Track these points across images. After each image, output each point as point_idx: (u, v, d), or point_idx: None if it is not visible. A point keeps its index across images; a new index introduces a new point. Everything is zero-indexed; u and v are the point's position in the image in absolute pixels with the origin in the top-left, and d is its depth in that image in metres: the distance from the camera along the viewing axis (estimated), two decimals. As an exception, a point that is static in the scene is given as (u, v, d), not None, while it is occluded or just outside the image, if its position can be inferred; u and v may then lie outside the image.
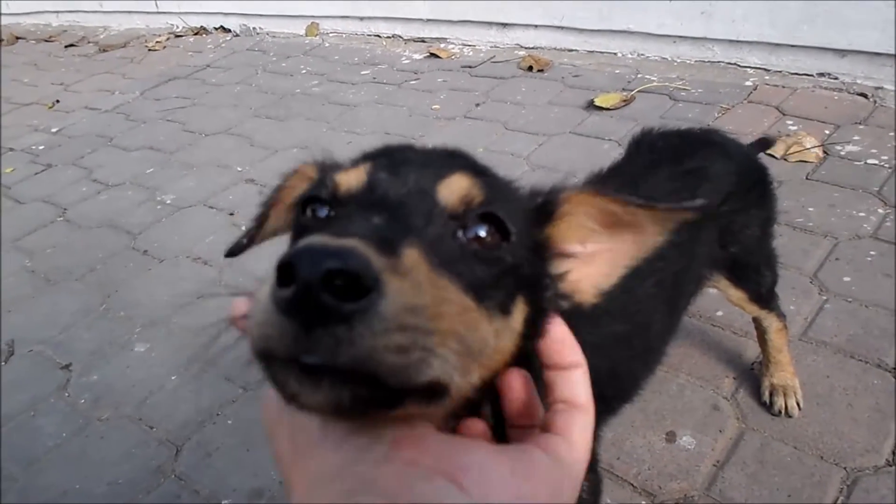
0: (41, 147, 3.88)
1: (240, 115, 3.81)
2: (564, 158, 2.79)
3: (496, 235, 0.53)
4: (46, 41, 6.29)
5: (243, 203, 2.86)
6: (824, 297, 1.88)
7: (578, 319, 1.05)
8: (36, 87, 5.01)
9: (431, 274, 0.43)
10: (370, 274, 0.37)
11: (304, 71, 4.33)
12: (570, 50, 3.88)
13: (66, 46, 5.95)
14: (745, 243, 1.40)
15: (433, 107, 3.49)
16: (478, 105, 3.44)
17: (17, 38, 6.54)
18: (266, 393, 0.50)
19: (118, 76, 4.91)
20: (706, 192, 1.28)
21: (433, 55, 4.18)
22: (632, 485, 1.47)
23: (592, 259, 0.65)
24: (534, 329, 0.57)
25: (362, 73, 4.13)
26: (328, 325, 0.36)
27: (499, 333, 0.51)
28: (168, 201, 3.00)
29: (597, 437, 1.13)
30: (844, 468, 1.44)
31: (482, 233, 0.52)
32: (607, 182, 1.31)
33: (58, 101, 4.59)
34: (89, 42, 5.98)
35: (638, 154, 1.40)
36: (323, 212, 0.55)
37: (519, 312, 0.55)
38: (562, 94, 3.39)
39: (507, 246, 0.54)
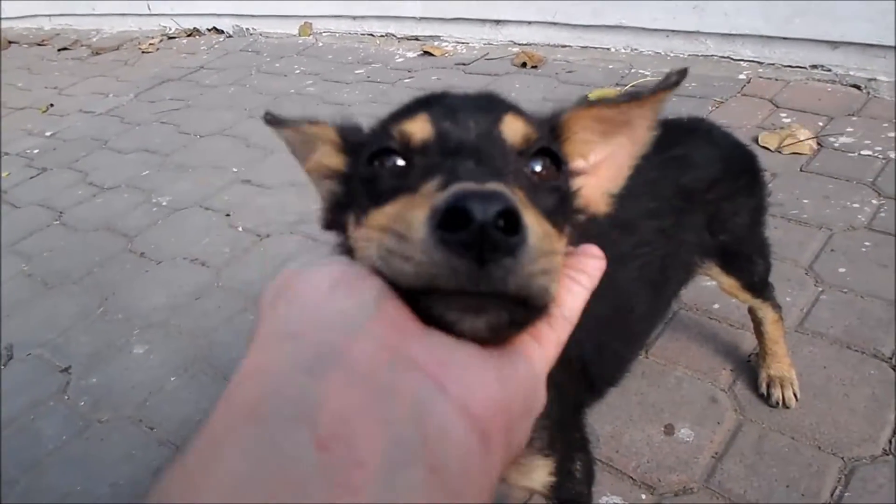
0: (36, 151, 3.87)
1: (235, 117, 3.81)
2: (560, 154, 2.79)
3: (551, 167, 0.58)
4: (39, 45, 6.28)
5: (239, 204, 2.86)
6: (820, 289, 1.90)
7: None
8: (30, 91, 5.00)
9: (533, 213, 0.47)
10: (520, 211, 0.41)
11: (297, 71, 4.33)
12: (564, 46, 3.88)
13: (59, 50, 5.94)
14: (734, 231, 1.41)
15: (428, 105, 3.49)
16: (472, 102, 3.44)
17: (10, 42, 6.52)
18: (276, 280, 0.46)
19: (112, 79, 4.91)
20: (690, 179, 1.30)
21: (427, 53, 4.18)
22: (631, 478, 1.48)
23: (597, 169, 0.69)
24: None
25: (356, 72, 4.13)
26: (498, 261, 0.40)
27: (562, 251, 0.55)
28: (164, 203, 3.00)
29: (583, 417, 1.15)
30: (842, 458, 1.45)
31: (539, 167, 0.57)
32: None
33: (52, 105, 4.58)
34: (82, 45, 5.97)
35: None
36: (396, 161, 0.56)
37: (566, 231, 0.60)
38: (556, 91, 3.39)
39: (562, 174, 0.59)
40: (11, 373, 2.13)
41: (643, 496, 1.44)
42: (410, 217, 0.43)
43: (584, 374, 1.11)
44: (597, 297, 1.16)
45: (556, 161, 0.58)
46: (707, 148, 1.37)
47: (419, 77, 3.88)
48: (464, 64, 3.94)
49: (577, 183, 0.66)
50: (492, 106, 0.60)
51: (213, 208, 2.89)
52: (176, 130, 3.77)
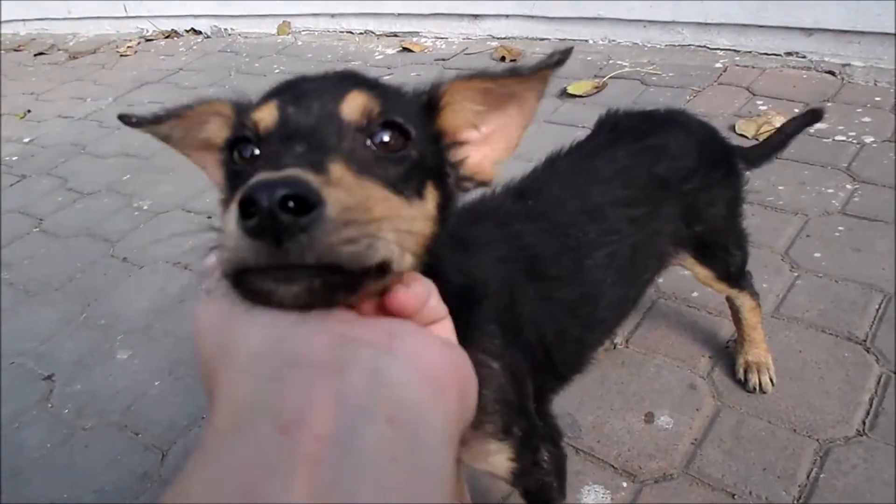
0: (14, 158, 3.83)
1: (215, 118, 3.78)
2: (538, 147, 2.79)
3: (399, 138, 0.61)
4: (15, 50, 6.20)
5: (221, 206, 2.86)
6: (795, 274, 1.92)
7: (527, 280, 1.08)
8: (6, 97, 4.94)
9: (355, 179, 0.52)
10: (312, 191, 0.46)
11: (277, 71, 4.31)
12: (542, 39, 3.90)
13: (35, 55, 5.86)
14: (710, 222, 1.42)
15: (408, 101, 3.49)
16: (452, 98, 3.44)
17: (-14, 47, 6.43)
18: (198, 304, 0.52)
19: (90, 83, 4.86)
20: (664, 169, 1.31)
21: (406, 49, 4.18)
22: (612, 466, 1.50)
23: (489, 139, 0.74)
24: (444, 214, 0.66)
25: (336, 70, 4.12)
26: (292, 238, 0.45)
27: (418, 216, 0.60)
28: (145, 207, 2.99)
29: (549, 407, 1.17)
30: (817, 440, 1.47)
31: (386, 137, 0.61)
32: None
33: (29, 111, 4.53)
34: (59, 49, 5.90)
35: (600, 133, 1.42)
36: (249, 150, 0.62)
37: (431, 197, 0.64)
38: (535, 84, 3.40)
39: (410, 144, 0.62)
40: (-6, 382, 2.12)
41: (624, 484, 1.46)
42: (229, 210, 0.48)
43: (546, 359, 1.12)
44: (560, 282, 1.18)
45: (404, 132, 0.62)
46: (683, 139, 1.38)
47: (399, 73, 3.88)
48: (443, 59, 3.94)
49: (462, 152, 0.72)
50: (340, 85, 0.64)
51: (194, 210, 2.88)
52: (156, 133, 3.74)
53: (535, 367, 1.05)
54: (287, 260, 0.45)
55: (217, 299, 0.50)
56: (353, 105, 0.61)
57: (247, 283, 0.48)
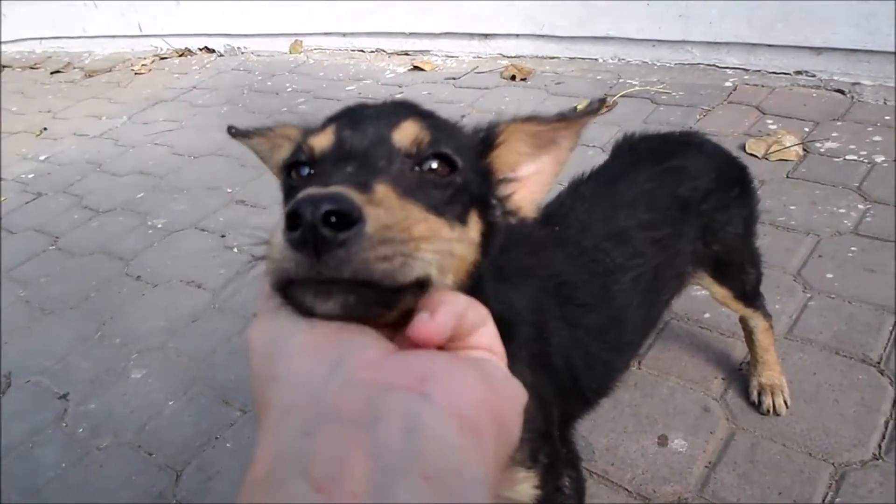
0: (31, 176, 3.89)
1: (227, 137, 3.81)
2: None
3: (445, 167, 0.65)
4: (32, 68, 6.31)
5: (234, 224, 2.89)
6: (808, 295, 1.92)
7: (557, 308, 1.09)
8: (23, 115, 5.03)
9: (398, 200, 0.55)
10: (354, 207, 0.48)
11: (289, 89, 4.36)
12: (552, 57, 3.92)
13: (51, 73, 5.97)
14: (727, 241, 1.43)
15: (419, 120, 3.52)
16: (463, 116, 3.47)
17: (4, 66, 6.55)
18: (252, 327, 0.53)
19: (105, 101, 4.94)
20: (684, 190, 1.32)
21: (417, 68, 4.22)
22: (626, 490, 1.50)
23: (525, 182, 0.80)
24: (488, 243, 0.70)
25: (347, 88, 4.17)
26: (331, 252, 0.47)
27: (459, 239, 0.63)
28: (159, 225, 3.02)
29: (572, 433, 1.17)
30: (832, 464, 1.47)
31: (434, 165, 0.64)
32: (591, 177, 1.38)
33: (45, 129, 4.61)
34: (75, 68, 6.01)
35: (619, 156, 1.44)
36: (305, 171, 0.66)
37: (474, 225, 0.67)
38: (545, 103, 3.43)
39: (456, 173, 0.65)
40: (10, 400, 2.14)
41: (638, 508, 1.45)
42: (278, 223, 0.51)
43: (574, 385, 1.13)
44: (588, 308, 1.18)
45: (451, 163, 0.65)
46: (700, 160, 1.40)
47: (409, 92, 3.91)
48: (454, 78, 3.98)
49: (507, 189, 0.77)
50: (396, 113, 0.68)
51: (208, 229, 2.91)
52: (170, 152, 3.80)
53: (562, 393, 1.06)
54: (325, 273, 0.48)
55: (267, 321, 0.52)
56: (406, 133, 0.64)
57: (291, 294, 0.50)
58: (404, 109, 0.71)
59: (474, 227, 0.67)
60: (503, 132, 0.77)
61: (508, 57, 4.06)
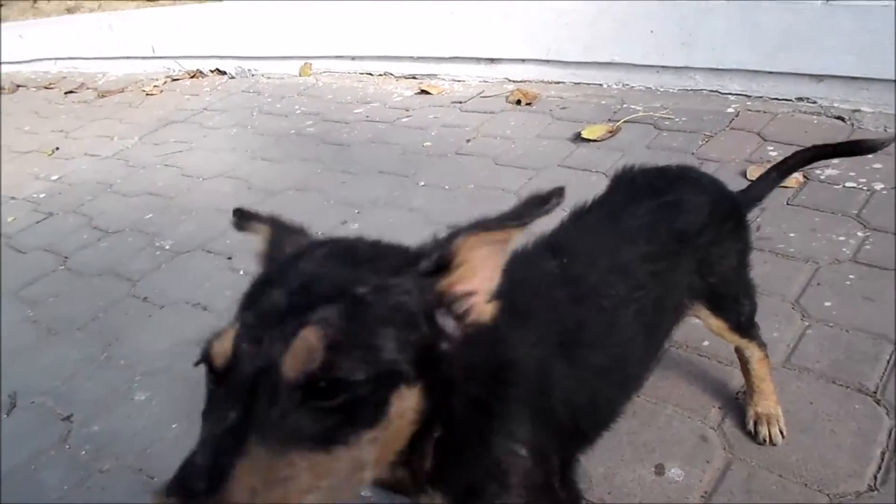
0: (42, 195, 3.96)
1: (237, 158, 3.90)
2: (552, 191, 2.85)
3: (343, 388, 0.65)
4: (46, 88, 6.43)
5: (241, 247, 2.92)
6: (806, 323, 1.93)
7: (562, 352, 1.09)
8: (36, 134, 5.13)
9: (274, 463, 0.60)
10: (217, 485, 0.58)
11: (298, 111, 4.43)
12: (557, 82, 3.97)
13: (65, 93, 6.08)
14: (722, 274, 1.45)
15: (424, 144, 3.57)
16: (468, 141, 3.52)
17: (18, 86, 6.69)
18: None
19: (116, 121, 5.03)
20: (681, 224, 1.34)
21: (424, 91, 4.28)
22: (622, 519, 1.50)
23: (479, 284, 0.78)
24: (441, 389, 0.73)
25: (355, 111, 4.23)
26: None
27: (372, 442, 0.66)
28: (167, 247, 3.07)
29: (573, 461, 1.17)
30: (828, 495, 1.47)
31: (323, 394, 0.65)
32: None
33: (57, 149, 4.69)
34: (88, 88, 6.12)
35: (619, 189, 1.47)
36: (211, 379, 0.71)
37: (405, 398, 0.69)
38: (550, 127, 3.47)
39: (356, 386, 0.66)
40: (14, 421, 2.17)
41: (633, 538, 1.46)
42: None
43: (576, 427, 1.12)
44: (593, 348, 1.18)
45: (347, 384, 0.65)
46: (696, 194, 1.42)
47: (417, 116, 3.97)
48: (460, 102, 4.03)
49: (465, 304, 0.76)
50: (299, 312, 0.68)
51: (214, 251, 2.95)
52: (179, 173, 3.86)
53: (564, 438, 1.06)
54: None
55: None
56: (297, 357, 0.65)
57: None
58: (303, 309, 0.68)
59: (407, 400, 0.69)
60: (459, 253, 0.75)
61: (514, 81, 4.12)
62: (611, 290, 1.22)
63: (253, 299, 0.75)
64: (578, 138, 3.25)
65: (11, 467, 1.96)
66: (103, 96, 5.77)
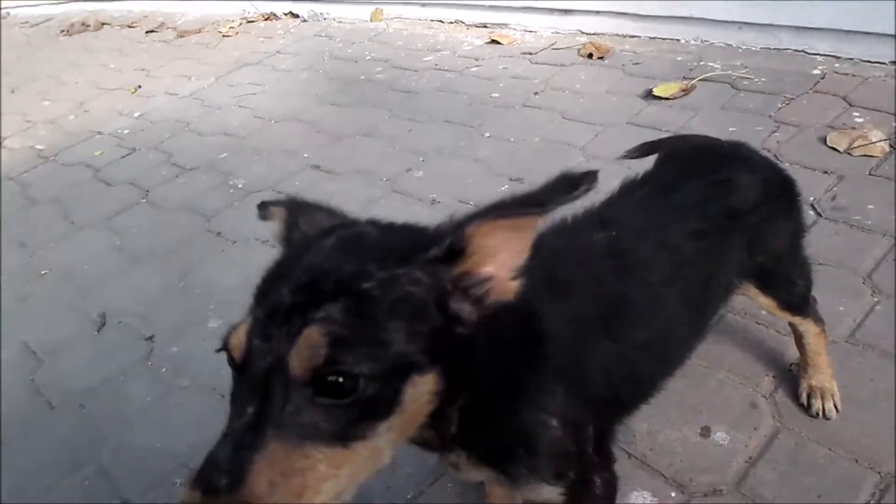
0: (126, 131, 4.17)
1: (307, 102, 3.98)
2: (619, 150, 2.79)
3: (351, 381, 0.66)
4: (129, 27, 6.66)
5: (309, 189, 3.03)
6: (876, 299, 1.87)
7: (604, 325, 1.11)
8: (120, 72, 5.35)
9: (290, 456, 0.64)
10: (235, 478, 0.62)
11: (368, 57, 4.46)
12: (632, 36, 3.84)
13: (146, 32, 6.29)
14: (772, 252, 1.43)
15: (492, 95, 3.55)
16: (536, 93, 3.48)
17: (103, 24, 6.94)
18: None
19: (195, 62, 5.18)
20: (735, 202, 1.32)
21: (494, 41, 4.22)
22: (663, 475, 1.54)
23: (500, 268, 0.76)
24: (461, 375, 0.75)
25: (424, 59, 4.22)
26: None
27: (389, 430, 0.69)
28: (240, 186, 3.21)
29: (612, 434, 1.18)
30: (879, 472, 1.46)
31: (333, 391, 0.67)
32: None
33: (140, 87, 4.89)
34: (168, 28, 6.30)
35: (667, 164, 1.45)
36: (232, 370, 0.76)
37: (419, 385, 0.70)
38: (621, 83, 3.38)
39: (366, 382, 0.67)
40: (104, 339, 2.38)
41: (673, 494, 1.50)
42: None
43: (615, 400, 1.12)
44: (637, 322, 1.20)
45: (354, 377, 0.66)
46: (748, 172, 1.39)
47: (486, 66, 3.93)
48: (530, 53, 3.96)
49: (482, 287, 0.75)
50: (305, 309, 0.69)
51: (283, 192, 3.06)
52: (252, 114, 3.98)
53: (601, 409, 1.06)
54: None
55: None
56: (302, 354, 0.66)
57: None
58: (310, 306, 0.69)
59: (421, 386, 0.70)
60: (472, 240, 0.72)
61: (587, 34, 4.00)
62: (658, 266, 1.21)
63: (263, 294, 0.77)
64: (650, 95, 3.16)
65: (102, 378, 2.17)
66: (182, 36, 5.94)
